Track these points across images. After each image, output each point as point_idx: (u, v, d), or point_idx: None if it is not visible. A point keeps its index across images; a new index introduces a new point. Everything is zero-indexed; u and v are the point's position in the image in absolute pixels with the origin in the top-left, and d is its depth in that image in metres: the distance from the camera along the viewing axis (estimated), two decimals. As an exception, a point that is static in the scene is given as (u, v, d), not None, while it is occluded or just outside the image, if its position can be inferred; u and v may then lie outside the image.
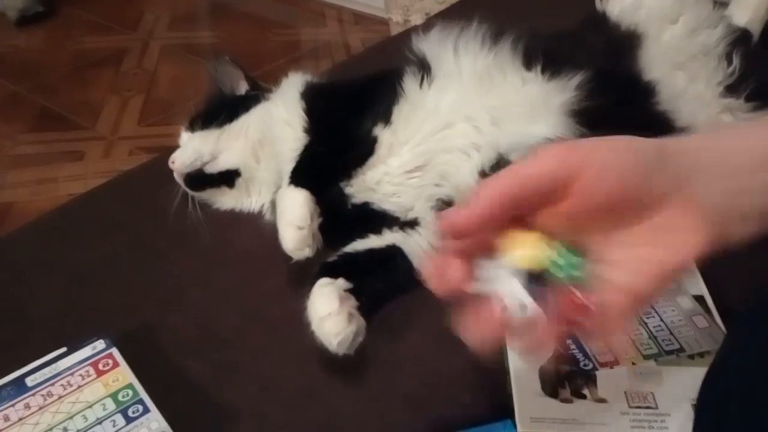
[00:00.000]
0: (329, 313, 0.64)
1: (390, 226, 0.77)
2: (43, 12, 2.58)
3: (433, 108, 0.77)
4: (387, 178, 0.77)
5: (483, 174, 0.75)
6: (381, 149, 0.77)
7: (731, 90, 0.86)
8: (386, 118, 0.76)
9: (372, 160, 0.76)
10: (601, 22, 0.91)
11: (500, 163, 0.75)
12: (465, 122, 0.76)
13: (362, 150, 0.76)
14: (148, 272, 0.79)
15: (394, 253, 0.75)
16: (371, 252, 0.74)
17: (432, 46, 0.81)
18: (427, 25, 0.87)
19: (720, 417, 0.48)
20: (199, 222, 0.82)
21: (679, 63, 0.86)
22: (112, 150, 1.90)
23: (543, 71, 0.78)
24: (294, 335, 0.68)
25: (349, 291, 0.68)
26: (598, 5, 0.94)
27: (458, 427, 0.60)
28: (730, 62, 0.87)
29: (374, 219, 0.77)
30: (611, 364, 0.64)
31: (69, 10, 2.69)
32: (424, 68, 0.79)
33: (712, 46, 0.88)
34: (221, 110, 0.84)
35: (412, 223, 0.77)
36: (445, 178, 0.77)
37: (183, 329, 0.72)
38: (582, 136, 0.74)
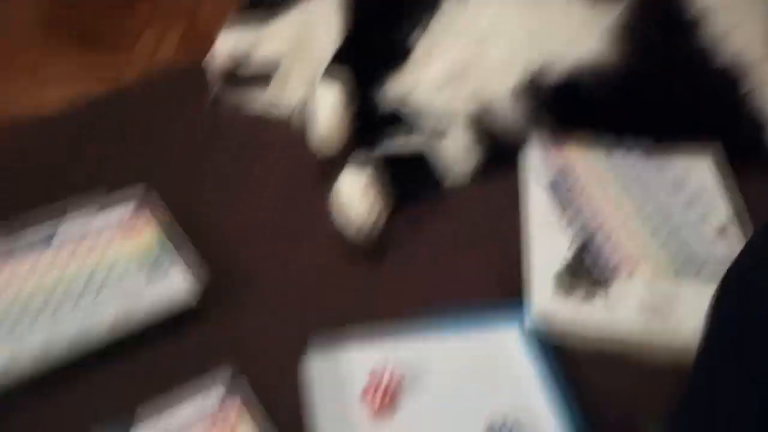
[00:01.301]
0: (353, 198, 0.65)
1: (419, 132, 0.77)
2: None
3: (472, 21, 0.77)
4: (420, 86, 0.77)
5: (517, 90, 0.75)
6: (416, 57, 0.77)
7: None
8: (424, 27, 0.76)
9: (406, 67, 0.77)
10: None
11: (536, 80, 0.74)
12: (503, 37, 0.76)
13: (398, 56, 0.76)
14: (183, 150, 0.80)
15: (421, 157, 0.75)
16: (399, 153, 0.75)
17: None
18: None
19: (731, 324, 0.48)
20: (232, 120, 0.83)
21: None
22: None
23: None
24: (319, 220, 0.69)
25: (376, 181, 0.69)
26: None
27: (468, 315, 0.61)
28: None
29: (404, 125, 0.77)
30: (629, 273, 0.64)
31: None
32: None
33: None
34: (262, 5, 0.84)
35: (442, 131, 0.77)
36: (478, 91, 0.76)
37: (214, 203, 0.74)
38: (623, 59, 0.73)
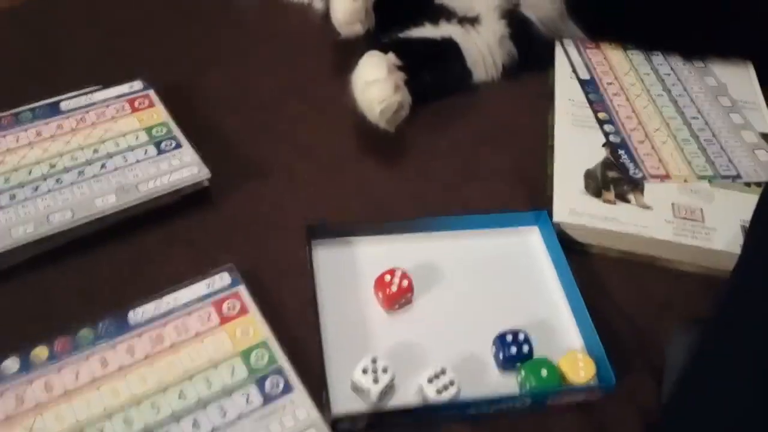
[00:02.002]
0: (376, 78, 0.60)
1: (449, 20, 0.72)
2: None
3: None
4: None
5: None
6: None
7: None
8: None
9: None
10: None
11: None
12: None
13: None
14: (187, 34, 0.75)
15: (448, 47, 0.70)
16: (425, 41, 0.70)
17: None
18: None
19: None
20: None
21: None
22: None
23: None
24: (334, 110, 0.66)
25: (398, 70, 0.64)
26: None
27: (488, 215, 0.58)
28: None
29: (434, 9, 0.72)
30: (662, 178, 0.61)
31: None
32: None
33: None
34: None
35: (473, 21, 0.72)
36: None
37: (221, 89, 0.69)
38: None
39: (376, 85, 0.60)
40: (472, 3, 0.72)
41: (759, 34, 0.72)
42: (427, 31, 0.71)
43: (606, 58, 0.72)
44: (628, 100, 0.68)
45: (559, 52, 0.72)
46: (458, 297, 0.53)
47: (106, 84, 0.65)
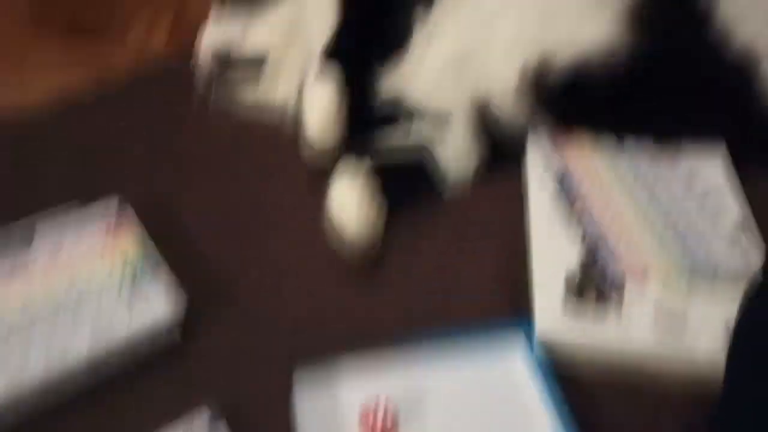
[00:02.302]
0: (347, 210, 0.61)
1: (420, 124, 0.73)
2: None
3: (475, 3, 0.72)
4: (422, 70, 0.72)
5: (525, 75, 0.71)
6: (418, 38, 0.72)
7: None
8: (426, 7, 0.72)
9: (407, 51, 0.72)
10: None
11: (544, 64, 0.70)
12: (510, 18, 0.71)
13: (398, 38, 0.72)
14: (167, 148, 0.76)
15: (421, 152, 0.71)
16: (398, 148, 0.71)
17: None
18: None
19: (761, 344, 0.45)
20: (220, 114, 0.79)
21: None
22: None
23: None
24: (312, 230, 0.66)
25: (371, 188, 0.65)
26: None
27: (469, 336, 0.57)
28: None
29: (404, 114, 0.73)
30: (641, 274, 0.60)
31: None
32: None
33: None
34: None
35: (444, 123, 0.73)
36: (483, 77, 0.72)
37: (200, 207, 0.69)
38: (636, 41, 0.69)
39: (347, 220, 0.61)
40: (442, 106, 0.73)
41: (731, 114, 0.73)
42: (400, 137, 0.72)
43: (575, 159, 0.72)
44: (602, 192, 0.68)
45: (531, 147, 0.73)
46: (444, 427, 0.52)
47: (82, 200, 0.65)
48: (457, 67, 0.72)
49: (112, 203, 0.64)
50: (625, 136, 0.73)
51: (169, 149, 0.76)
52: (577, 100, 0.72)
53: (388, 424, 0.50)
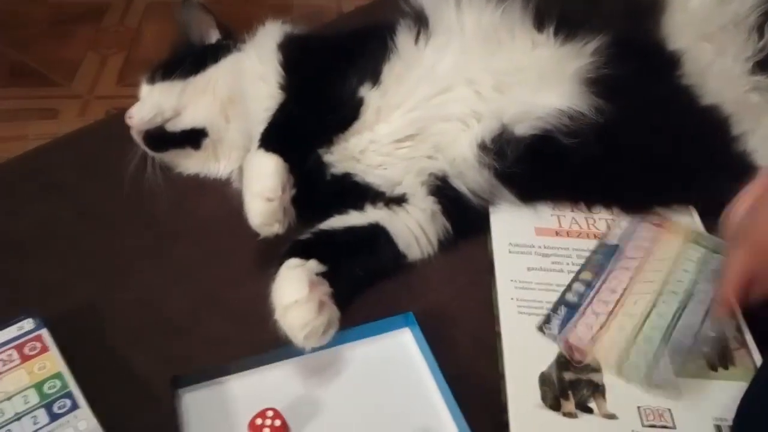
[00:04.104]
0: (296, 300, 0.54)
1: (374, 202, 0.67)
2: (23, -38, 2.44)
3: (430, 68, 0.67)
4: (373, 146, 0.67)
5: (483, 147, 0.65)
6: (368, 113, 0.67)
7: (761, 66, 0.77)
8: (375, 78, 0.66)
9: (357, 125, 0.67)
10: None
11: (503, 135, 0.65)
12: (465, 86, 0.67)
13: (346, 113, 0.66)
14: (92, 244, 0.69)
15: (376, 232, 0.65)
16: (351, 230, 0.65)
17: None
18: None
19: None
20: (157, 187, 0.73)
21: (707, 33, 0.76)
22: (88, 109, 1.78)
23: (556, 34, 0.68)
24: (257, 325, 0.59)
25: (323, 275, 0.58)
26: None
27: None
28: (761, 36, 0.77)
29: (356, 193, 0.67)
30: (606, 389, 0.55)
31: (51, -39, 2.54)
32: (420, 22, 0.69)
33: (744, 16, 0.78)
34: (186, 60, 0.73)
35: (399, 200, 0.67)
36: (439, 150, 0.67)
37: (128, 313, 0.62)
38: (597, 107, 0.65)
39: (296, 308, 0.54)
40: (396, 182, 0.68)
41: (702, 180, 0.69)
42: (352, 218, 0.66)
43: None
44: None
45: (494, 221, 0.68)
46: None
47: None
48: (415, 133, 0.67)
49: (26, 324, 0.57)
50: (592, 205, 0.69)
51: (96, 244, 0.69)
52: (538, 173, 0.67)
53: (277, 425, 0.50)
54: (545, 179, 0.68)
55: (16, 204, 0.73)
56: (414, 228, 0.66)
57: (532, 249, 0.66)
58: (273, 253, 0.61)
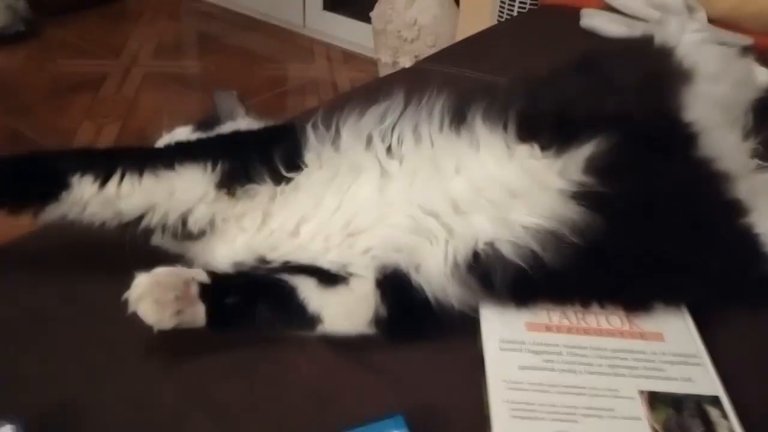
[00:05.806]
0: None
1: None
2: (24, 32, 2.50)
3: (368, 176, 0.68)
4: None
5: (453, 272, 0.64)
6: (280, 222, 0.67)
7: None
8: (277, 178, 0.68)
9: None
10: (641, 48, 0.87)
11: (478, 260, 0.64)
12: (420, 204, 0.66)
13: None
14: (77, 335, 0.67)
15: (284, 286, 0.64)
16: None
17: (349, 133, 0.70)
18: (414, 69, 0.77)
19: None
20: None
21: (717, 107, 0.78)
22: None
23: (543, 148, 0.67)
24: (249, 423, 0.57)
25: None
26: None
27: None
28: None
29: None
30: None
31: (52, 31, 2.61)
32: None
33: (743, 101, 0.83)
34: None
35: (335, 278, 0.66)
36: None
37: (116, 410, 0.60)
38: (581, 224, 0.63)
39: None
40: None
41: (697, 278, 0.69)
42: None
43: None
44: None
45: (483, 316, 0.67)
46: None
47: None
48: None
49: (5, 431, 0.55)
50: (586, 306, 0.68)
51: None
52: (526, 283, 0.65)
53: None
54: (532, 292, 0.67)
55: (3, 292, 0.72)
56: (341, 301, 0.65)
57: (522, 346, 0.65)
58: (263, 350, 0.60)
